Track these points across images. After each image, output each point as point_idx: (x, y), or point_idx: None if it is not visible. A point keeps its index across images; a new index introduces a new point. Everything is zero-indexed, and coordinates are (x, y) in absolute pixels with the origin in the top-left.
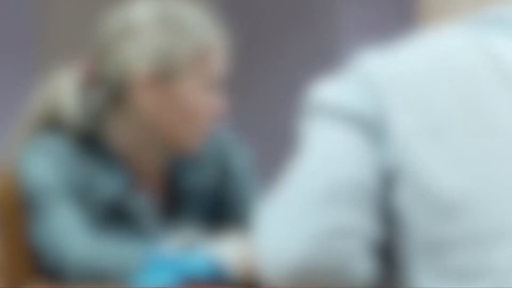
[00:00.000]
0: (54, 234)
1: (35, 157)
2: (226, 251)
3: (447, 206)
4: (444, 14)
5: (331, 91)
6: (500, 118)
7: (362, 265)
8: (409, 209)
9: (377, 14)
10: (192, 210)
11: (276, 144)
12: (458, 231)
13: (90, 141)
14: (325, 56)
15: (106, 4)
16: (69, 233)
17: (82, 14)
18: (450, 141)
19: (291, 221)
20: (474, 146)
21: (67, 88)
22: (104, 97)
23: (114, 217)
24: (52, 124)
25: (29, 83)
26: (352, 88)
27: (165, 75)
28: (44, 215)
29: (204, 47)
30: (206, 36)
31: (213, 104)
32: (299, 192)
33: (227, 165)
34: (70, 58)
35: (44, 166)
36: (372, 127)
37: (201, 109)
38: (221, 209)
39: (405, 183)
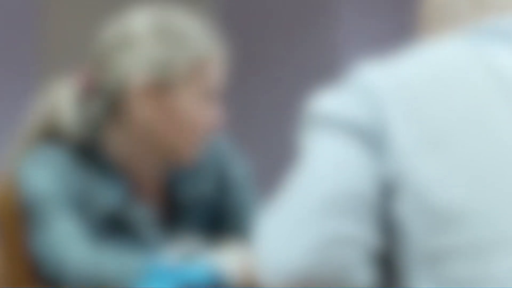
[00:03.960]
0: (53, 244)
1: (35, 167)
2: (226, 260)
3: (446, 217)
4: (443, 25)
5: (331, 102)
6: (499, 130)
7: (362, 275)
8: (408, 220)
9: (377, 25)
10: (191, 220)
11: (276, 155)
12: (457, 242)
13: (89, 152)
14: (325, 67)
15: (107, 16)
16: (68, 243)
17: (83, 25)
18: (450, 152)
19: (291, 231)
20: (473, 157)
21: (65, 99)
22: (102, 108)
23: (113, 227)
24: (51, 135)
25: (29, 94)
26: (352, 100)
27: (162, 86)
28: (43, 225)
29: (202, 58)
30: (204, 47)
31: (210, 115)
32: (298, 202)
33: (225, 175)
34: (70, 69)
35: (44, 176)
36: (371, 138)
37: (198, 119)
38: (220, 218)
39: (404, 194)
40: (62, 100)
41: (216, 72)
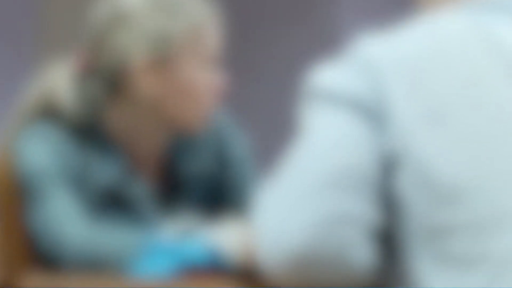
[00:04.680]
0: (51, 221)
1: (32, 143)
2: (225, 237)
3: (447, 192)
4: (444, 2)
5: (331, 76)
6: (500, 104)
7: (362, 251)
8: (409, 195)
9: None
10: (191, 196)
11: (276, 130)
12: (458, 218)
13: (87, 128)
14: (325, 41)
15: None
16: (66, 219)
17: (80, 4)
18: (451, 126)
19: (290, 208)
20: (474, 131)
21: (63, 78)
22: (101, 86)
23: (112, 203)
24: (48, 113)
25: (27, 72)
26: (352, 74)
27: (162, 58)
28: (40, 201)
29: (199, 25)
30: (199, 14)
31: (212, 81)
32: (298, 178)
33: (225, 150)
34: (67, 48)
35: (41, 151)
36: (372, 113)
37: (202, 87)
38: (219, 194)
39: (406, 168)
40: (60, 79)
41: (214, 39)
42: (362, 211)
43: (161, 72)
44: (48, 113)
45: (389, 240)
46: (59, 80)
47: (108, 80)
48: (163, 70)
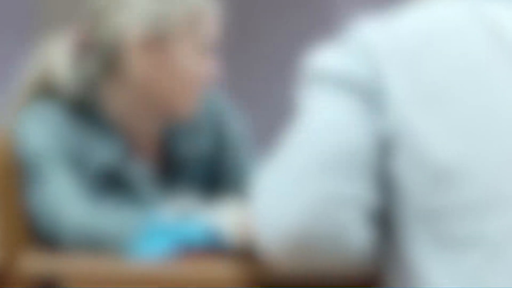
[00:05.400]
0: (50, 201)
1: (31, 123)
2: (223, 218)
3: (443, 174)
4: None
5: (329, 59)
6: (497, 87)
7: (359, 232)
8: (406, 177)
9: None
10: (189, 177)
11: (274, 111)
12: (454, 200)
13: (85, 109)
14: (323, 24)
15: None
16: (65, 200)
17: None
18: (447, 109)
19: (288, 189)
20: (470, 114)
21: (60, 56)
22: (98, 64)
23: (110, 184)
24: (46, 92)
25: (25, 51)
26: (350, 56)
27: (158, 40)
28: (40, 182)
29: (196, 10)
30: (198, 0)
31: (206, 68)
32: (296, 159)
33: (223, 132)
34: (66, 26)
35: (40, 132)
36: (369, 95)
37: (194, 72)
38: (217, 176)
39: (402, 150)
40: (57, 57)
41: (210, 25)
42: (359, 192)
43: (154, 53)
44: (47, 91)
45: (386, 221)
46: (57, 58)
47: (103, 57)
48: (157, 51)
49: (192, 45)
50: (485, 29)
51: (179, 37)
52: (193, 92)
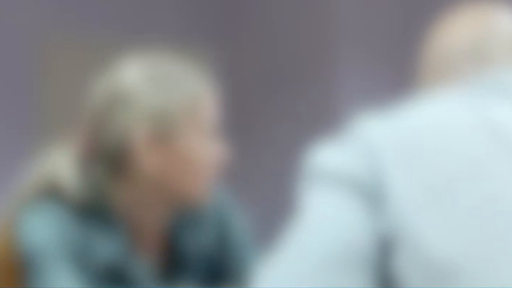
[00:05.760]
0: None
1: (34, 220)
2: None
3: (444, 272)
4: (442, 78)
5: (330, 156)
6: (497, 185)
7: None
8: (406, 275)
9: (376, 76)
10: (191, 273)
11: (275, 208)
12: None
13: (89, 206)
14: (324, 119)
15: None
16: None
17: (78, 85)
18: (448, 208)
19: (289, 286)
20: (472, 213)
21: (65, 161)
22: (105, 167)
23: (113, 280)
24: (51, 194)
25: (27, 152)
26: (350, 154)
27: (162, 134)
28: (42, 278)
29: (195, 98)
30: (195, 88)
31: (213, 152)
32: (296, 258)
33: (226, 229)
34: (67, 128)
35: (43, 229)
36: (370, 193)
37: (203, 158)
38: (220, 272)
39: (403, 249)
40: (62, 162)
41: (211, 111)
42: None
43: (162, 148)
44: (51, 193)
45: None
46: (61, 163)
47: (110, 160)
48: (164, 145)
49: (196, 132)
50: (488, 128)
51: (183, 127)
52: (204, 178)
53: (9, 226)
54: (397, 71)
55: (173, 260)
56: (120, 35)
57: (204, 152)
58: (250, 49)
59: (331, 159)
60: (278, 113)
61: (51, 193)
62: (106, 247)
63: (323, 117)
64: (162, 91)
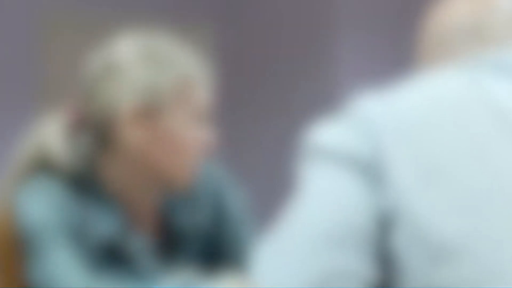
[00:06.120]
0: (50, 275)
1: (30, 198)
2: None
3: (444, 250)
4: (442, 56)
5: (329, 134)
6: (497, 163)
7: None
8: (406, 254)
9: (376, 57)
10: (188, 250)
11: (273, 186)
12: (455, 277)
13: (84, 181)
14: (324, 98)
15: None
16: (65, 273)
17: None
18: (448, 186)
19: (288, 264)
20: (471, 191)
21: (55, 132)
22: (93, 138)
23: (110, 257)
24: (44, 167)
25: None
26: (350, 132)
27: (151, 110)
28: (40, 256)
29: (188, 79)
30: (189, 68)
31: (201, 137)
32: (296, 235)
33: (221, 205)
34: (63, 101)
35: (39, 206)
36: (369, 171)
37: (189, 142)
38: (216, 249)
39: (402, 227)
40: (52, 133)
41: (204, 93)
42: (359, 268)
43: (148, 124)
44: (44, 167)
45: None
46: (52, 133)
47: (98, 131)
48: (150, 121)
49: (185, 114)
50: (486, 106)
51: (172, 107)
52: (189, 161)
53: (6, 203)
54: (396, 50)
55: (168, 237)
56: (119, 10)
57: (190, 135)
58: (249, 28)
59: (330, 137)
60: (276, 91)
61: (44, 167)
62: (102, 224)
63: (323, 96)
64: (154, 68)
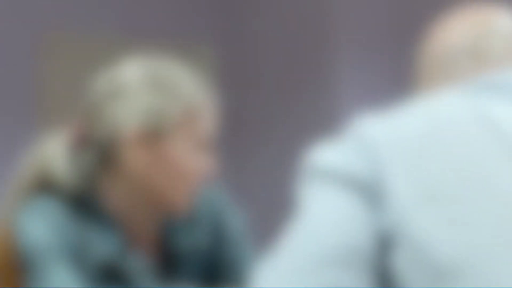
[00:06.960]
0: None
1: (31, 218)
2: None
3: (443, 271)
4: (441, 77)
5: (329, 155)
6: (497, 184)
7: None
8: (406, 273)
9: (376, 78)
10: (187, 271)
11: (273, 207)
12: None
13: (84, 201)
14: (323, 119)
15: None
16: None
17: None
18: (448, 206)
19: (288, 284)
20: (471, 211)
21: (57, 151)
22: (95, 158)
23: (110, 277)
24: (45, 186)
25: (25, 145)
26: (350, 153)
27: (154, 135)
28: (40, 276)
29: (193, 106)
30: (195, 95)
31: (202, 164)
32: (295, 255)
33: (221, 227)
34: (63, 120)
35: (40, 227)
36: (369, 192)
37: (190, 168)
38: (215, 271)
39: (402, 247)
40: (54, 152)
41: (207, 121)
42: (359, 286)
43: (150, 148)
44: (45, 186)
45: None
46: (54, 153)
47: (100, 151)
48: (152, 145)
49: (188, 140)
50: (486, 127)
51: (175, 133)
52: (188, 188)
53: (6, 223)
54: (396, 71)
55: (168, 259)
56: (120, 30)
57: (192, 162)
58: (249, 48)
59: (330, 157)
60: (277, 112)
61: (45, 187)
62: (102, 245)
63: (322, 117)
64: (159, 93)
